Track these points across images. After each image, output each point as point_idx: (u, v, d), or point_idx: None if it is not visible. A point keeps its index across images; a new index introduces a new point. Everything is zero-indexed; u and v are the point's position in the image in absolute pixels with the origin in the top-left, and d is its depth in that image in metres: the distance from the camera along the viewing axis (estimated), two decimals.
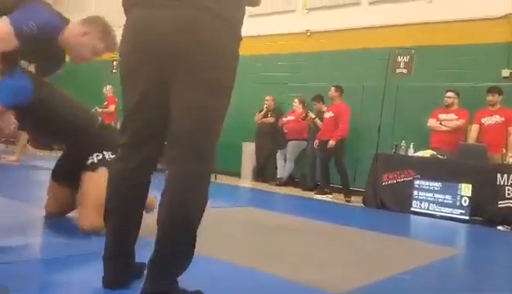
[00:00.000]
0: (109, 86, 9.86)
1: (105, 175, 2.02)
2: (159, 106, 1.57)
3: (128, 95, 1.62)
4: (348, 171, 6.78)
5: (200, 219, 1.57)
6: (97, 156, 2.65)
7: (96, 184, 2.50)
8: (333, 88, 6.99)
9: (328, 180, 6.93)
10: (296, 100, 7.93)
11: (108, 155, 2.63)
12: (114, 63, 11.30)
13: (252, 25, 8.98)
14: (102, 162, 2.62)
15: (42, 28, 2.28)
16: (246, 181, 8.33)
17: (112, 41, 2.58)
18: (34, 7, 2.33)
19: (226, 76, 1.58)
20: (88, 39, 2.52)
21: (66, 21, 2.54)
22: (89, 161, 2.65)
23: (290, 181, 7.90)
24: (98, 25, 2.57)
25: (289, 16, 8.76)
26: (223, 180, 8.00)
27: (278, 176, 7.97)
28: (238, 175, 8.65)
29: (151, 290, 1.50)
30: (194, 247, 1.56)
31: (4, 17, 2.24)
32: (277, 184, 7.76)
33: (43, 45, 2.39)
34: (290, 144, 7.86)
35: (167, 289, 1.52)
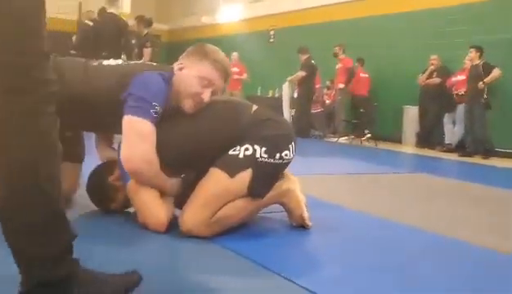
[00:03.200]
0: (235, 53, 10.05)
1: (243, 183, 1.84)
2: None
3: None
4: None
5: None
6: (246, 149, 1.87)
7: (224, 185, 1.84)
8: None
9: None
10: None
11: (260, 152, 1.87)
12: (272, 32, 11.54)
13: None
14: (249, 159, 1.86)
15: (162, 103, 1.86)
16: (408, 147, 7.89)
17: (215, 57, 1.96)
18: (148, 82, 1.86)
19: None
20: (187, 70, 1.93)
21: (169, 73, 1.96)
22: (232, 152, 1.88)
23: (460, 147, 7.23)
24: (193, 51, 2.00)
25: None
26: (383, 145, 7.71)
27: (446, 142, 7.38)
28: (399, 140, 8.24)
29: None
30: None
31: (129, 116, 1.80)
32: (445, 150, 7.19)
33: None
34: (461, 106, 7.17)
35: None
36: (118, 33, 6.83)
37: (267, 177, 1.92)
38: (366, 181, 3.82)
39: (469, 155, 6.64)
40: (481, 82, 6.66)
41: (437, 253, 1.90)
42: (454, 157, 6.66)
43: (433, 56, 7.76)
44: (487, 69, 6.71)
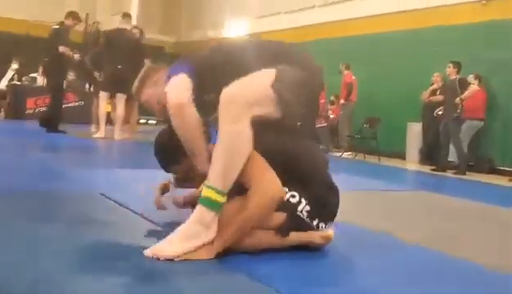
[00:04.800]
0: None
1: (272, 221, 1.78)
2: None
3: None
4: None
5: None
6: (292, 196, 1.83)
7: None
8: None
9: None
10: (471, 76, 7.20)
11: (303, 207, 1.83)
12: None
13: None
14: (290, 206, 1.82)
15: None
16: (412, 163, 7.90)
17: None
18: None
19: None
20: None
21: None
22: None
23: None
24: None
25: None
26: (387, 162, 7.72)
27: (449, 159, 7.38)
28: (402, 157, 8.25)
29: None
30: None
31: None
32: (448, 168, 7.19)
33: None
34: (465, 124, 7.19)
35: None
36: (134, 48, 6.94)
37: (296, 228, 1.83)
38: (367, 198, 3.84)
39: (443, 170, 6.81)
40: (458, 98, 6.77)
41: (437, 270, 1.92)
42: (456, 175, 6.67)
43: (436, 74, 7.82)
44: (463, 84, 6.82)
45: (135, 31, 7.50)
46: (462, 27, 7.82)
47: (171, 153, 1.99)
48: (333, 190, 1.94)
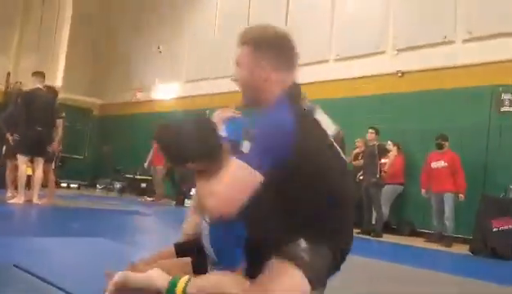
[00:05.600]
0: None
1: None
2: None
3: None
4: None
5: None
6: None
7: None
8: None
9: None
10: (389, 143, 7.67)
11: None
12: (207, 111, 11.77)
13: (340, 68, 9.06)
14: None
15: None
16: None
17: None
18: None
19: None
20: None
21: None
22: None
23: (385, 228, 7.52)
24: None
25: (379, 58, 8.63)
26: None
27: (373, 222, 7.64)
28: None
29: None
30: None
31: None
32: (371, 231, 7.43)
33: None
34: (385, 188, 7.55)
35: None
36: (50, 108, 6.72)
37: None
38: None
39: (368, 233, 7.08)
40: (379, 161, 7.26)
41: None
42: (373, 237, 6.90)
43: (358, 139, 8.22)
44: (382, 150, 7.31)
45: (45, 89, 7.21)
46: (382, 96, 8.40)
47: (208, 143, 1.74)
48: None
